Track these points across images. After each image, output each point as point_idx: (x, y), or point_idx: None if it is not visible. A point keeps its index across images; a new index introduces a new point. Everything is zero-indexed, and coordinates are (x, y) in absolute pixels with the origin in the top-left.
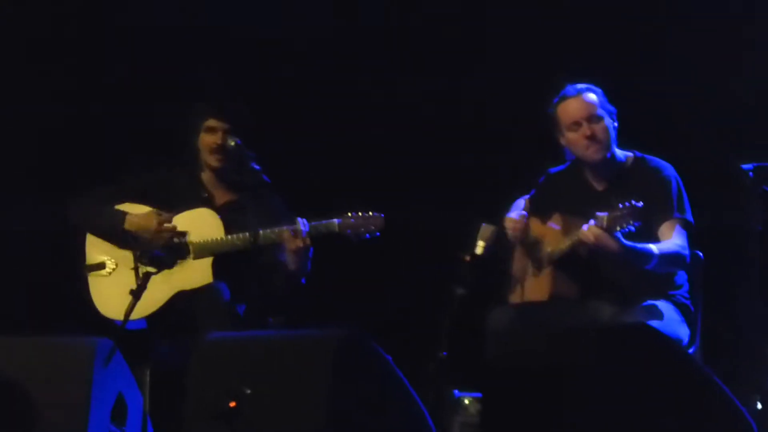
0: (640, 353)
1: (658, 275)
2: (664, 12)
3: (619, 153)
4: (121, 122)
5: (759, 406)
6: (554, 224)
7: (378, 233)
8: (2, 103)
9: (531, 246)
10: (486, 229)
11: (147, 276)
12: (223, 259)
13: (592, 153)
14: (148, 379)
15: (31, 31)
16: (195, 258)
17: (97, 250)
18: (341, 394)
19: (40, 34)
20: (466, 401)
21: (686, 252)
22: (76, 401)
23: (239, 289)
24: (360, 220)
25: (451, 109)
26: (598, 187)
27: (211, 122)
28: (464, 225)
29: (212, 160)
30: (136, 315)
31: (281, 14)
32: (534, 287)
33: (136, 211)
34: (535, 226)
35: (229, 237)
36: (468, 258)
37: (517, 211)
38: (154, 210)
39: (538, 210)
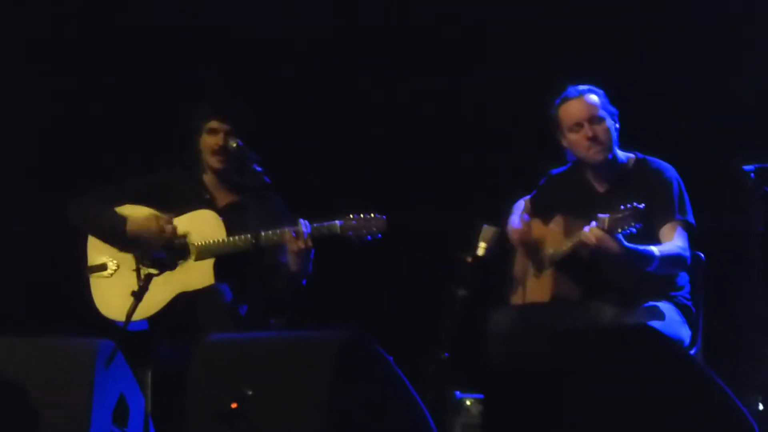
0: (641, 354)
1: (660, 276)
2: (664, 12)
3: (621, 154)
4: (121, 122)
5: (760, 406)
6: (555, 226)
7: (380, 235)
8: (2, 103)
9: (532, 247)
10: (487, 230)
11: (149, 277)
12: (224, 260)
13: (593, 154)
14: (149, 380)
15: (31, 31)
16: (197, 259)
17: (98, 251)
18: (342, 395)
19: (40, 34)
20: (468, 402)
21: (687, 254)
22: (78, 402)
23: (241, 290)
24: (362, 221)
25: (451, 109)
26: (600, 188)
27: (213, 123)
28: (465, 226)
29: (214, 162)
30: (137, 316)
31: (281, 14)
32: (535, 288)
33: (137, 213)
34: (537, 227)
35: (231, 238)
36: (469, 259)
37: (519, 215)
38: (155, 213)
39: (539, 211)
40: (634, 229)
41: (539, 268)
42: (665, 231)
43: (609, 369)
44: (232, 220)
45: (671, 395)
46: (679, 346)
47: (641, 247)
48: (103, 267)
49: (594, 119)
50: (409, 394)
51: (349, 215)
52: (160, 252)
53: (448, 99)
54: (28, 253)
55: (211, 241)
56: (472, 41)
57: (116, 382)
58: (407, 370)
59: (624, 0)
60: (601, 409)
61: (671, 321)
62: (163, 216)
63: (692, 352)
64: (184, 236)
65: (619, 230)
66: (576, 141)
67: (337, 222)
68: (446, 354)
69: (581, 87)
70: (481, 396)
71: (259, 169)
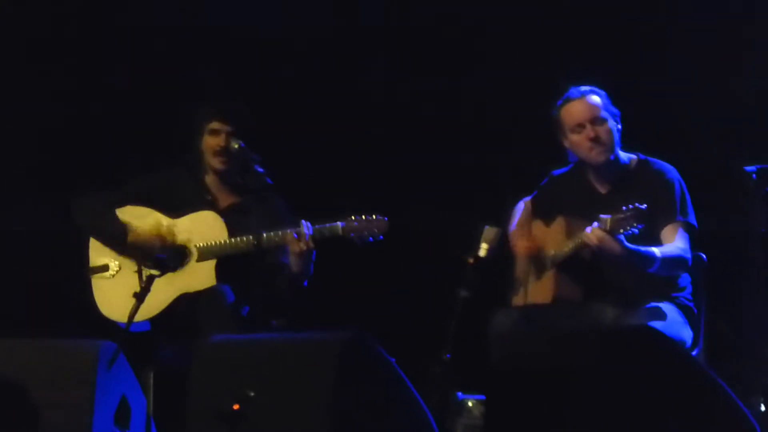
0: (643, 355)
1: (661, 277)
2: (664, 12)
3: (623, 155)
4: (121, 122)
5: (762, 408)
6: (557, 226)
7: (381, 236)
8: (2, 103)
9: (536, 257)
10: (489, 231)
11: (150, 278)
12: (226, 261)
13: (595, 155)
14: (151, 381)
15: (31, 31)
16: (198, 261)
17: (100, 252)
18: (344, 396)
19: (40, 34)
20: (470, 403)
21: (688, 256)
22: (80, 404)
23: (242, 291)
24: (364, 223)
25: (452, 109)
26: (602, 189)
27: (215, 124)
28: (467, 227)
29: (216, 163)
30: (139, 317)
31: (281, 14)
32: (537, 289)
33: (138, 214)
34: (538, 228)
35: (233, 240)
36: (471, 260)
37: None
38: (156, 227)
39: (540, 212)
40: (636, 230)
41: (541, 269)
42: (667, 232)
43: (610, 370)
44: (233, 221)
45: (673, 396)
46: (680, 347)
47: (643, 248)
48: (104, 268)
49: (596, 120)
50: (411, 395)
51: (350, 217)
52: (162, 253)
53: (449, 99)
54: (30, 253)
55: (213, 243)
56: (472, 41)
57: (118, 384)
58: (409, 371)
59: (624, 0)
60: (602, 411)
61: (673, 322)
62: (165, 225)
63: (694, 353)
64: (186, 241)
65: (621, 231)
66: (578, 142)
67: (338, 223)
68: (448, 355)
69: (583, 88)
70: (482, 397)
71: (260, 170)
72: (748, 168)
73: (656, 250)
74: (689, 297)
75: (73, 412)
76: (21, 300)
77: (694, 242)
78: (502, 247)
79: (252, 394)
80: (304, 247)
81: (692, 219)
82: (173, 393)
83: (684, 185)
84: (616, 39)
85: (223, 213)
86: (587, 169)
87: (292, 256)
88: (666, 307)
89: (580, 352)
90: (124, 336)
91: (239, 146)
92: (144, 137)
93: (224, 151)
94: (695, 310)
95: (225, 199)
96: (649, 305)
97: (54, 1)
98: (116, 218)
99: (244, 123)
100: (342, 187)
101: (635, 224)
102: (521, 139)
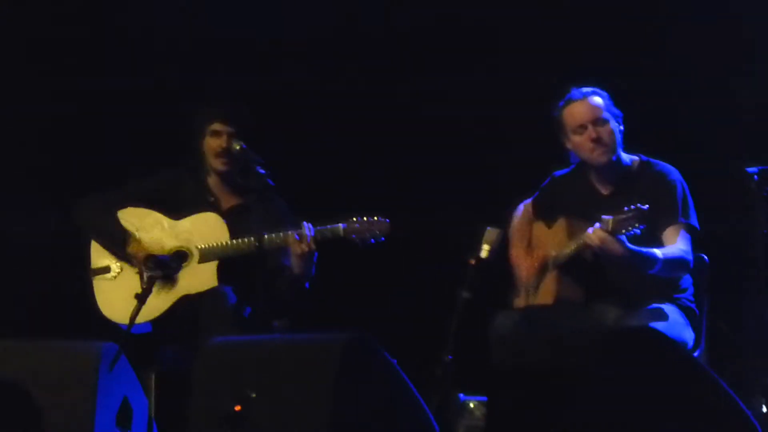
0: (644, 356)
1: (663, 278)
2: (664, 12)
3: (625, 156)
4: (121, 122)
5: (764, 409)
6: (558, 227)
7: (383, 238)
8: (2, 103)
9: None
10: (491, 232)
11: (152, 280)
12: (228, 263)
13: (597, 156)
14: (153, 382)
15: (31, 31)
16: (200, 262)
17: (101, 253)
18: (346, 397)
19: (40, 34)
20: (472, 405)
21: (690, 257)
22: (82, 405)
23: (244, 293)
24: (365, 225)
25: (452, 109)
26: (603, 190)
27: (216, 126)
28: (469, 228)
29: (217, 164)
30: (141, 319)
31: (281, 14)
32: (539, 291)
33: (139, 215)
34: (540, 229)
35: (234, 241)
36: (473, 262)
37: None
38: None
39: (542, 213)
40: (638, 231)
41: (542, 276)
42: (668, 234)
43: (612, 371)
44: (235, 222)
45: (674, 397)
46: (682, 348)
47: (644, 250)
48: (106, 269)
49: (598, 121)
50: (413, 397)
51: (352, 218)
52: (164, 255)
53: (449, 99)
54: (31, 254)
55: (215, 244)
56: (472, 41)
57: (120, 385)
58: (411, 372)
59: (624, 0)
60: (604, 412)
61: (675, 323)
62: (166, 226)
63: (696, 354)
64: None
65: (623, 232)
66: (580, 143)
67: (340, 225)
68: (450, 356)
69: (585, 89)
70: (484, 398)
71: (262, 171)
72: (750, 169)
73: (658, 252)
74: (691, 298)
75: (75, 413)
76: (22, 301)
77: (696, 244)
78: (503, 249)
79: (253, 395)
80: (306, 249)
81: (694, 220)
82: (175, 394)
83: (686, 187)
84: (617, 39)
85: (225, 214)
86: (589, 170)
87: (294, 258)
88: (668, 308)
89: (582, 353)
90: (126, 337)
91: (240, 147)
92: (144, 138)
93: (226, 153)
94: (697, 311)
95: (227, 201)
96: (650, 306)
97: (54, 1)
98: (117, 220)
99: (245, 124)
100: (343, 188)
101: (637, 225)
102: (522, 140)
